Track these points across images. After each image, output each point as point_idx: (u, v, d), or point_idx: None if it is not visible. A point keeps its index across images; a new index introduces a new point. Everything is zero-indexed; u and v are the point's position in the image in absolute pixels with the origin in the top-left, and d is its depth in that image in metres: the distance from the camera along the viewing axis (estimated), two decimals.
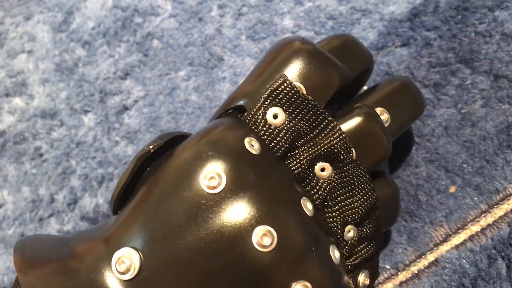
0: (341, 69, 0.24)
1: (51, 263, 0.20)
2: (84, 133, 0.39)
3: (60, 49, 0.44)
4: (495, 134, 0.31)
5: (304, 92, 0.23)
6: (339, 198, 0.23)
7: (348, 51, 0.26)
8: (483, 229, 0.29)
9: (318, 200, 0.22)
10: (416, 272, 0.29)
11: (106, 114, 0.40)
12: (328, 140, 0.23)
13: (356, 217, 0.23)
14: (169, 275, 0.19)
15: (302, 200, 0.22)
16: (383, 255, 0.30)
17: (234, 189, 0.20)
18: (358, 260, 0.23)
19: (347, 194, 0.23)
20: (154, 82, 0.40)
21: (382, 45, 0.36)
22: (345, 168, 0.23)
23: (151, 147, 0.22)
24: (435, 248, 0.29)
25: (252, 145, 0.22)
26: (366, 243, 0.24)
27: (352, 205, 0.23)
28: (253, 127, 0.23)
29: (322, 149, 0.22)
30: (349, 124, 0.24)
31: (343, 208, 0.23)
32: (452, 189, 0.30)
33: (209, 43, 0.40)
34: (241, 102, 0.24)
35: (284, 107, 0.22)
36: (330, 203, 0.23)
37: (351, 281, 0.23)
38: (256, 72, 0.25)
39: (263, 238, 0.19)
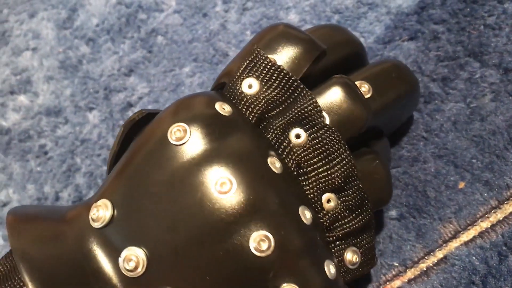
0: (318, 46, 0.25)
1: (42, 225, 0.21)
2: (89, 130, 0.39)
3: (64, 46, 0.44)
4: (505, 129, 0.30)
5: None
6: (313, 164, 0.22)
7: (331, 35, 0.28)
8: (493, 226, 0.29)
9: (293, 167, 0.22)
10: (425, 269, 0.29)
11: (111, 111, 0.40)
12: (300, 106, 0.23)
13: (332, 183, 0.22)
14: (139, 220, 0.20)
15: (269, 158, 0.22)
16: (391, 252, 0.29)
17: (196, 140, 0.21)
18: (341, 233, 0.23)
19: (322, 160, 0.22)
20: (158, 78, 0.39)
21: (389, 39, 0.35)
22: (318, 134, 0.23)
23: (136, 115, 0.25)
24: (444, 245, 0.29)
25: (223, 108, 0.23)
26: (349, 214, 0.23)
27: (328, 171, 0.22)
28: (230, 98, 0.24)
29: (294, 114, 0.23)
30: (324, 92, 0.24)
31: (319, 174, 0.22)
32: (461, 185, 0.30)
33: (213, 39, 0.40)
34: (223, 80, 0.25)
35: (259, 78, 0.23)
36: (304, 170, 0.22)
37: (335, 257, 0.23)
38: (240, 54, 0.26)
39: (223, 185, 0.20)
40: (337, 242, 0.23)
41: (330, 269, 0.22)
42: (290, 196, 0.22)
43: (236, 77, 0.24)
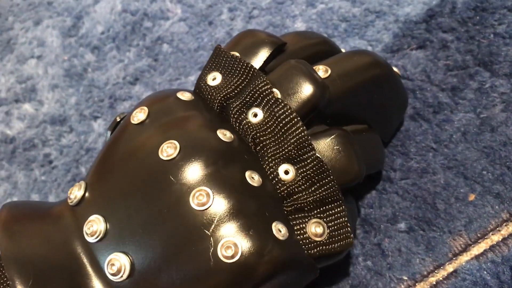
0: (277, 40, 0.27)
1: (31, 227, 0.22)
2: (94, 139, 0.39)
3: (69, 54, 0.44)
4: None
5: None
6: (268, 136, 0.23)
7: (301, 34, 0.31)
8: (504, 239, 0.28)
9: (251, 144, 0.24)
10: (435, 283, 0.28)
11: None
12: (254, 86, 0.24)
13: (286, 152, 0.23)
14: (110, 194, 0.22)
15: (219, 130, 0.23)
16: (400, 265, 0.29)
17: (152, 116, 0.24)
18: (299, 203, 0.23)
19: (275, 131, 0.23)
20: (164, 87, 0.39)
21: (397, 47, 0.35)
22: (272, 109, 0.23)
23: (117, 117, 0.27)
24: (454, 258, 0.28)
25: (183, 95, 0.25)
26: (309, 186, 0.23)
27: (282, 142, 0.23)
28: (197, 91, 0.26)
29: (248, 94, 0.24)
30: (279, 74, 0.25)
31: (273, 146, 0.23)
32: (472, 197, 0.29)
33: None
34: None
35: (222, 71, 0.25)
36: (261, 144, 0.23)
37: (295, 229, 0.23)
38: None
39: (168, 149, 0.22)
40: (298, 215, 0.23)
41: (279, 229, 0.21)
42: (237, 162, 0.23)
43: (202, 72, 0.26)
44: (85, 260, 0.21)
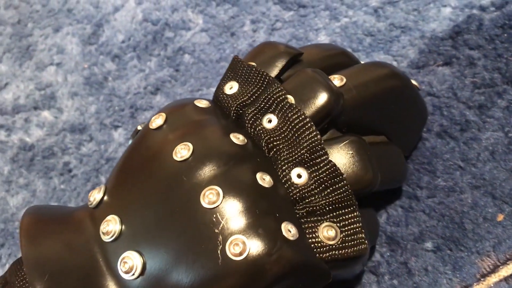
0: (293, 50, 0.28)
1: (53, 234, 0.22)
2: (114, 149, 0.39)
3: (89, 62, 0.44)
4: None
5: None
6: (281, 141, 0.24)
7: (320, 46, 0.32)
8: None
9: (265, 149, 0.24)
10: None
11: None
12: (268, 94, 0.24)
13: (299, 156, 0.23)
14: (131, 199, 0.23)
15: (232, 134, 0.24)
16: (427, 285, 0.28)
17: (169, 121, 0.24)
18: (312, 206, 0.23)
19: (288, 136, 0.24)
20: (185, 97, 0.39)
21: (423, 63, 0.34)
22: (286, 114, 0.24)
23: (139, 126, 0.28)
24: (482, 279, 0.28)
25: (200, 102, 0.26)
26: (322, 190, 0.23)
27: (295, 145, 0.23)
28: (215, 100, 0.27)
29: (263, 101, 0.24)
30: (293, 80, 0.26)
31: (286, 150, 0.23)
32: (500, 217, 0.29)
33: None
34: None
35: (238, 80, 0.26)
36: (275, 149, 0.24)
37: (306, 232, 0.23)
38: None
39: (181, 151, 0.22)
40: (310, 218, 0.23)
41: (288, 229, 0.21)
42: (249, 163, 0.23)
43: (220, 83, 0.27)
44: (100, 259, 0.22)
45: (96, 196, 0.24)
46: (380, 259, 0.30)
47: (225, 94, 0.26)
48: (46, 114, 0.43)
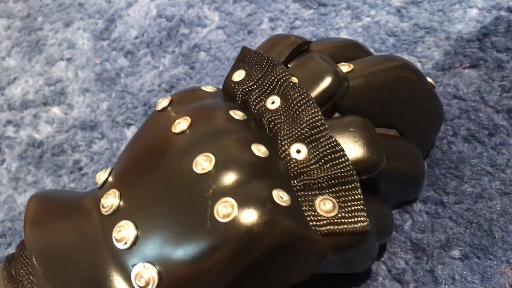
0: (301, 39, 0.28)
1: (59, 221, 0.22)
2: None
3: (101, 58, 0.43)
4: None
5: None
6: (282, 120, 0.23)
7: (333, 38, 0.32)
8: None
9: (265, 127, 0.24)
10: None
11: None
12: (272, 75, 0.24)
13: (298, 131, 0.23)
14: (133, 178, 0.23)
15: (232, 111, 0.24)
16: None
17: (173, 103, 0.25)
18: (309, 180, 0.22)
19: (290, 114, 0.23)
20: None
21: (449, 65, 0.33)
22: (288, 93, 0.24)
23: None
24: None
25: (206, 87, 0.27)
26: (321, 165, 0.22)
27: (295, 121, 0.23)
28: (223, 88, 0.27)
29: (267, 83, 0.24)
30: (301, 61, 0.26)
31: (287, 126, 0.23)
32: None
33: None
34: None
35: (245, 67, 0.26)
36: (276, 127, 0.23)
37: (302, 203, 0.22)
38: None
39: (180, 124, 0.23)
40: (308, 192, 0.22)
41: (281, 196, 0.20)
42: (246, 135, 0.23)
43: (230, 72, 0.27)
44: (99, 234, 0.22)
45: (102, 176, 0.24)
46: (405, 266, 0.29)
47: (233, 81, 0.26)
48: (56, 110, 0.41)
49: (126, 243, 0.21)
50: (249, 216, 0.19)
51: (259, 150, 0.22)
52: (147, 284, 0.20)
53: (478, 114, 0.31)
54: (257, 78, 0.25)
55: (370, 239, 0.23)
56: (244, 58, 0.27)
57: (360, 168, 0.23)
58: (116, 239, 0.21)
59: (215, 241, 0.19)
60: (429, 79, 0.29)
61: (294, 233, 0.20)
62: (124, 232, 0.21)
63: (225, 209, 0.19)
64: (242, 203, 0.19)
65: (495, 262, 0.28)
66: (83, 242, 0.22)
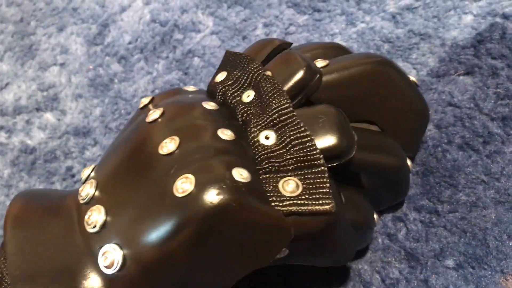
0: (280, 41, 0.28)
1: (40, 225, 0.22)
2: None
3: (95, 63, 0.42)
4: None
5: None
6: (254, 111, 0.24)
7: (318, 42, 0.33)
8: None
9: (240, 120, 0.24)
10: None
11: None
12: (247, 71, 0.25)
13: (267, 118, 0.23)
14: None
15: (205, 102, 0.25)
16: None
17: (155, 102, 0.26)
18: (273, 163, 0.22)
19: (261, 104, 0.24)
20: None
21: (443, 72, 0.33)
22: (261, 84, 0.24)
23: None
24: None
25: (189, 87, 0.28)
26: (287, 150, 0.22)
27: (265, 112, 0.23)
28: (207, 90, 0.28)
29: (243, 79, 0.25)
30: (272, 60, 0.26)
31: (257, 117, 0.24)
32: None
33: None
34: None
35: (227, 69, 0.27)
36: (247, 118, 0.24)
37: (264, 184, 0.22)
38: None
39: (153, 114, 0.23)
40: (272, 175, 0.22)
41: (240, 173, 0.20)
42: (213, 121, 0.23)
43: (214, 75, 0.28)
44: (76, 225, 0.22)
45: (85, 172, 0.25)
46: (399, 276, 0.28)
47: (215, 82, 0.27)
48: (48, 116, 0.41)
49: (95, 226, 0.21)
50: (207, 191, 0.19)
51: (225, 134, 0.23)
52: (112, 264, 0.20)
53: (473, 122, 0.31)
54: (236, 76, 0.26)
55: (340, 227, 0.23)
56: (227, 61, 0.28)
57: (329, 154, 0.23)
58: (87, 223, 0.21)
59: (174, 218, 0.19)
60: (412, 78, 0.29)
61: (252, 208, 0.20)
62: (94, 216, 0.21)
63: (184, 185, 0.19)
64: (200, 179, 0.19)
65: (490, 272, 0.27)
66: (59, 232, 0.22)
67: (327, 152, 0.23)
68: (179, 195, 0.19)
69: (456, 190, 0.30)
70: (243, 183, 0.20)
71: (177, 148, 0.21)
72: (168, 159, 0.21)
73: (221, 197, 0.19)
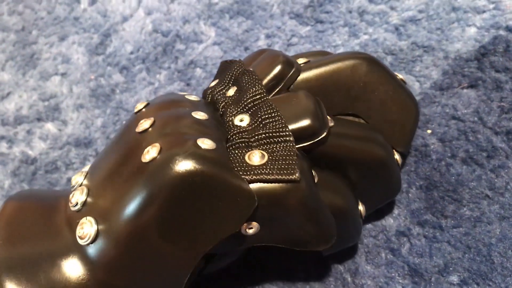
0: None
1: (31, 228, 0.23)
2: None
3: (96, 73, 0.42)
4: None
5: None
6: (232, 102, 0.25)
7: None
8: None
9: (220, 112, 0.26)
10: None
11: None
12: (231, 70, 0.27)
13: (242, 104, 0.25)
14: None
15: (185, 95, 0.27)
16: None
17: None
18: (243, 137, 0.23)
19: (239, 94, 0.26)
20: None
21: (447, 85, 0.33)
22: (241, 78, 0.26)
23: None
24: None
25: (185, 93, 0.28)
26: (259, 128, 0.23)
27: (241, 100, 0.25)
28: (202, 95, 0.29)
29: (228, 78, 0.27)
30: (256, 60, 0.28)
31: (234, 105, 0.25)
32: None
33: None
34: None
35: (218, 76, 0.29)
36: (226, 108, 0.25)
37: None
38: None
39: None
40: (241, 150, 0.23)
41: (205, 142, 0.22)
42: (190, 107, 0.25)
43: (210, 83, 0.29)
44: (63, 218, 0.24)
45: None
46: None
47: (208, 87, 0.28)
48: (49, 126, 0.41)
49: (77, 204, 0.23)
50: (170, 156, 0.20)
51: (198, 114, 0.24)
52: (85, 236, 0.21)
53: (476, 136, 0.31)
54: (223, 78, 0.28)
55: (310, 201, 0.23)
56: (220, 70, 0.29)
57: (300, 134, 0.24)
58: (71, 203, 0.23)
59: (137, 179, 0.21)
60: (399, 76, 0.30)
61: (215, 173, 0.20)
62: (76, 196, 0.23)
63: (151, 153, 0.21)
64: (166, 146, 0.21)
65: None
66: (46, 213, 0.24)
67: (298, 132, 0.24)
68: (145, 161, 0.21)
69: (460, 205, 0.29)
70: (206, 149, 0.21)
71: (150, 125, 0.23)
72: (142, 135, 0.23)
73: (183, 161, 0.20)
